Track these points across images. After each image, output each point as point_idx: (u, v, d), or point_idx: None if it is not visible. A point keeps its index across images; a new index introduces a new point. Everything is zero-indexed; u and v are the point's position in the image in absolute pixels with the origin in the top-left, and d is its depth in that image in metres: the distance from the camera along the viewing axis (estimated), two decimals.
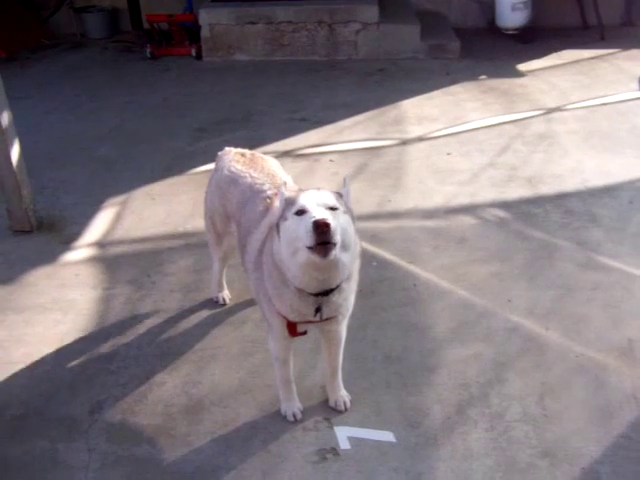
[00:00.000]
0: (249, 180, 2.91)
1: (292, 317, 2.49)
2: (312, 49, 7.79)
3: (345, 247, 2.22)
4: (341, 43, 7.92)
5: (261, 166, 3.02)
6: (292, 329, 2.54)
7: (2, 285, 3.75)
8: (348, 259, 2.28)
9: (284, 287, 2.39)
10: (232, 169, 3.03)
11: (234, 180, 2.98)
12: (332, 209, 2.20)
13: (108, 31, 9.25)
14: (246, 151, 3.19)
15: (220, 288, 3.49)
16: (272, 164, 3.09)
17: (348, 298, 2.53)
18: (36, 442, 2.73)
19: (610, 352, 3.10)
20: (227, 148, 3.24)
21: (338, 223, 2.16)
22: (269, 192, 2.79)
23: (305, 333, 2.60)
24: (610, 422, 2.72)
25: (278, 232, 2.30)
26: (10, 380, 3.06)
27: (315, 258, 2.14)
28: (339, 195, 2.34)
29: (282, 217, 2.29)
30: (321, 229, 2.08)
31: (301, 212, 2.19)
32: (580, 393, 2.88)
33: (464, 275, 3.71)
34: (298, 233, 2.17)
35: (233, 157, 3.12)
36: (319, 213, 2.14)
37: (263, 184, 2.86)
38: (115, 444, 2.71)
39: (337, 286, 2.35)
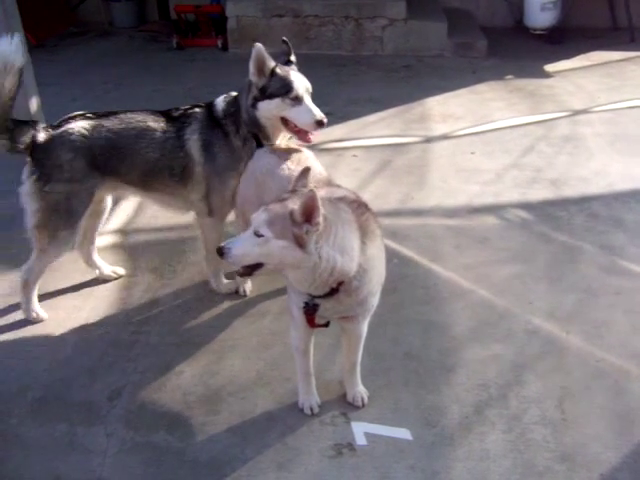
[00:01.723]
0: (287, 172, 2.90)
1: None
2: (338, 43, 7.78)
3: (284, 264, 2.30)
4: (367, 38, 7.90)
5: (298, 158, 3.02)
6: (311, 320, 2.54)
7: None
8: (300, 277, 2.32)
9: None
10: (270, 160, 3.04)
11: (271, 171, 2.98)
12: (258, 234, 2.27)
13: (135, 20, 9.30)
14: (282, 145, 3.21)
15: (243, 279, 3.49)
16: (309, 156, 3.10)
17: (366, 300, 2.51)
18: (55, 425, 2.76)
19: (631, 358, 3.07)
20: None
21: (258, 248, 2.27)
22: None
23: (327, 325, 2.60)
24: (630, 429, 2.70)
25: None
26: (32, 363, 3.10)
27: None
28: (284, 215, 2.25)
29: None
30: (219, 254, 2.33)
31: None
32: (600, 398, 2.86)
33: (485, 275, 3.69)
34: None
35: (270, 148, 3.15)
36: (236, 238, 2.37)
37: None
38: (133, 430, 2.73)
39: (333, 290, 2.36)
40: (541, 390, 2.90)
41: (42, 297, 3.54)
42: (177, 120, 3.28)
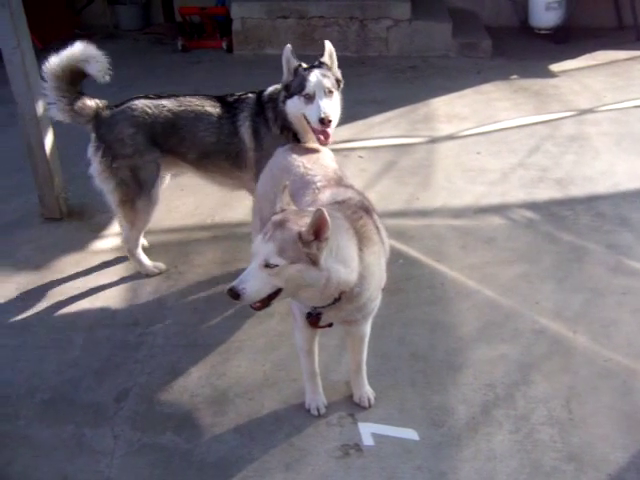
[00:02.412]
0: (302, 170, 2.89)
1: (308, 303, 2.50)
2: (343, 44, 7.78)
3: (302, 288, 2.27)
4: (372, 39, 7.90)
5: (316, 157, 3.00)
6: (313, 321, 2.53)
7: (32, 271, 3.80)
8: (312, 294, 2.31)
9: None
10: (287, 157, 3.02)
11: (287, 168, 2.96)
12: (269, 266, 2.21)
13: (141, 23, 9.32)
14: (302, 145, 3.22)
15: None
16: (327, 156, 3.09)
17: (366, 305, 2.51)
18: (63, 426, 2.77)
19: (639, 358, 3.06)
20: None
21: (270, 280, 2.22)
22: (319, 184, 2.77)
23: (331, 325, 2.59)
24: (638, 429, 2.69)
25: None
26: (40, 364, 3.11)
27: None
28: (292, 237, 2.23)
29: None
30: (232, 298, 2.25)
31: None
32: (607, 398, 2.85)
33: (492, 275, 3.69)
34: None
35: (290, 146, 3.15)
36: (244, 275, 2.25)
37: (315, 175, 2.84)
38: (140, 431, 2.74)
39: (335, 300, 2.36)
40: (548, 390, 2.90)
41: (48, 299, 3.56)
42: (231, 106, 3.43)
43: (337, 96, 3.27)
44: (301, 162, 2.94)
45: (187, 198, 4.54)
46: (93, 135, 3.42)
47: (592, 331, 3.25)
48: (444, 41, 7.84)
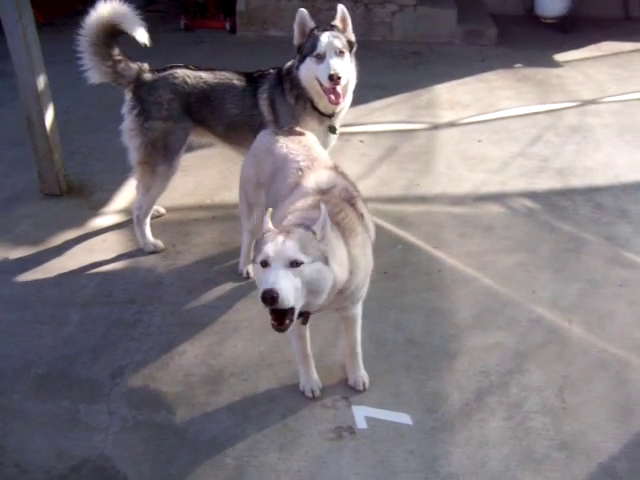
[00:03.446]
0: (284, 150, 2.91)
1: None
2: None
3: (314, 292, 2.21)
4: (376, 24, 7.85)
5: (299, 139, 3.02)
6: (305, 319, 2.49)
7: (31, 246, 3.80)
8: (316, 299, 2.25)
9: None
10: (270, 138, 3.04)
11: (270, 149, 2.98)
12: (294, 264, 2.14)
13: (143, 0, 9.22)
14: (284, 127, 3.23)
15: (247, 261, 3.49)
16: (309, 138, 3.10)
17: (353, 294, 2.51)
18: (58, 402, 2.78)
19: (633, 349, 3.07)
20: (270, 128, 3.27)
21: (295, 282, 2.12)
22: (302, 163, 2.79)
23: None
24: (629, 419, 2.70)
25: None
26: (36, 340, 3.12)
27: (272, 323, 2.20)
28: (308, 235, 2.22)
29: (254, 258, 2.29)
30: (268, 302, 2.08)
31: (264, 263, 2.18)
32: (600, 388, 2.86)
33: (489, 263, 3.69)
34: (259, 283, 2.21)
35: (271, 129, 3.18)
36: (271, 277, 2.10)
37: (298, 155, 2.85)
38: (135, 409, 2.75)
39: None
40: (542, 379, 2.91)
41: (46, 274, 3.56)
42: (255, 80, 3.52)
43: (349, 57, 3.32)
44: (284, 143, 2.96)
45: (187, 177, 4.53)
46: (130, 95, 3.51)
47: (588, 321, 3.26)
48: (449, 28, 7.79)
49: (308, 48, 3.28)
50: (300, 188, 2.65)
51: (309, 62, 3.28)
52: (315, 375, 2.84)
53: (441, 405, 2.77)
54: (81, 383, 2.88)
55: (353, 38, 3.40)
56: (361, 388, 2.84)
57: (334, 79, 3.18)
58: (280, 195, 2.74)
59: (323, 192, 2.57)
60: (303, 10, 3.32)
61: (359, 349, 2.84)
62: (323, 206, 2.27)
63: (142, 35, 3.48)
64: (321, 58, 3.23)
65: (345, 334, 2.83)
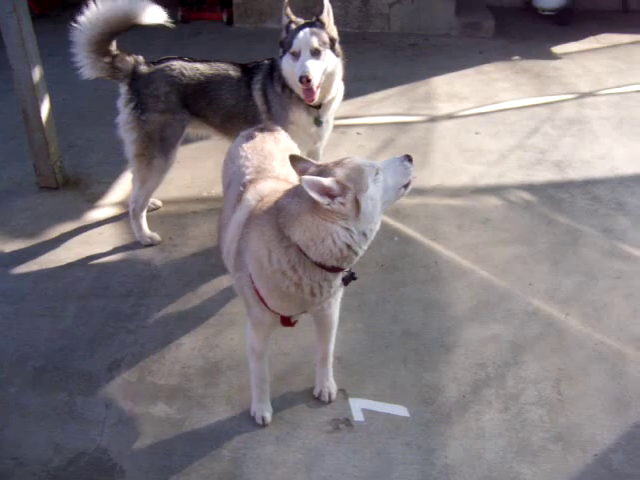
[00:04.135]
0: (241, 161, 2.69)
1: (288, 312, 2.38)
2: (344, 20, 7.70)
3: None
4: (374, 15, 7.82)
5: (261, 147, 2.75)
6: (286, 321, 2.43)
7: (27, 239, 3.79)
8: None
9: (286, 280, 2.21)
10: (240, 143, 2.82)
11: (235, 155, 2.78)
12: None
13: None
14: (264, 127, 2.97)
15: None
16: (279, 139, 2.86)
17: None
18: (55, 394, 2.78)
19: (630, 342, 3.08)
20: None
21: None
22: (247, 177, 2.56)
23: (295, 323, 2.48)
24: (625, 411, 2.71)
25: (359, 209, 2.10)
26: (33, 332, 3.11)
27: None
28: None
29: (359, 191, 2.10)
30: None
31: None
32: (597, 381, 2.87)
33: (486, 256, 3.69)
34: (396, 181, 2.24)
35: (249, 132, 2.90)
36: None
37: (248, 167, 2.63)
38: (132, 401, 2.75)
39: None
40: (539, 371, 2.91)
41: (43, 266, 3.55)
42: (249, 71, 3.52)
43: (329, 54, 3.29)
44: (246, 151, 2.75)
45: (183, 170, 4.52)
46: (126, 88, 3.49)
47: (584, 314, 3.26)
48: (447, 20, 7.77)
49: (287, 44, 3.28)
50: (242, 203, 2.45)
51: (288, 57, 3.27)
52: (268, 401, 2.68)
53: (438, 397, 2.78)
54: (78, 376, 2.88)
55: (335, 34, 3.36)
56: (326, 399, 2.74)
57: (303, 81, 3.16)
58: (226, 214, 2.57)
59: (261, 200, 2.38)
60: (286, 2, 3.33)
61: (331, 357, 2.74)
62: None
63: (161, 16, 3.56)
64: (296, 56, 3.22)
65: (319, 341, 2.68)
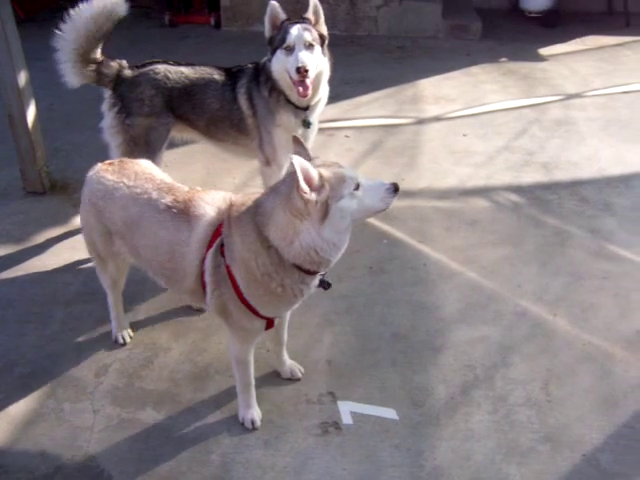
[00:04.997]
0: (127, 191, 2.60)
1: (278, 314, 2.50)
2: (332, 23, 7.69)
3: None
4: (361, 18, 7.84)
5: (134, 172, 2.68)
6: (270, 323, 2.50)
7: (14, 245, 3.76)
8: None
9: (273, 282, 2.28)
10: (102, 180, 2.68)
11: (109, 193, 2.64)
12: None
13: None
14: (114, 160, 2.88)
15: (119, 325, 3.09)
16: (145, 167, 2.79)
17: None
18: (42, 400, 2.76)
19: (617, 342, 3.09)
20: (98, 164, 2.84)
21: None
22: (168, 198, 2.53)
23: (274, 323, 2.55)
24: (614, 411, 2.72)
25: (326, 214, 2.14)
26: (19, 339, 3.09)
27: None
28: None
29: (333, 197, 2.14)
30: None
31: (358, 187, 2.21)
32: (585, 381, 2.88)
33: (475, 257, 3.70)
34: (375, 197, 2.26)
35: (100, 168, 2.77)
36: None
37: (151, 192, 2.56)
38: (120, 407, 2.73)
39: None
40: (527, 372, 2.92)
41: (30, 272, 3.53)
42: (234, 75, 3.52)
43: (319, 50, 3.31)
44: (121, 182, 2.64)
45: (171, 173, 4.40)
46: (109, 92, 3.48)
47: (572, 314, 3.27)
48: (434, 22, 7.79)
49: (279, 41, 3.26)
50: (197, 221, 2.43)
51: (280, 54, 3.27)
52: (256, 405, 2.67)
53: (427, 399, 2.78)
54: (65, 382, 2.86)
55: (325, 31, 3.39)
56: (299, 375, 2.85)
57: (301, 72, 3.18)
58: (172, 246, 2.48)
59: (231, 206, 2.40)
60: (274, 2, 3.31)
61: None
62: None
63: None
64: (290, 50, 3.23)
65: (281, 329, 2.78)
